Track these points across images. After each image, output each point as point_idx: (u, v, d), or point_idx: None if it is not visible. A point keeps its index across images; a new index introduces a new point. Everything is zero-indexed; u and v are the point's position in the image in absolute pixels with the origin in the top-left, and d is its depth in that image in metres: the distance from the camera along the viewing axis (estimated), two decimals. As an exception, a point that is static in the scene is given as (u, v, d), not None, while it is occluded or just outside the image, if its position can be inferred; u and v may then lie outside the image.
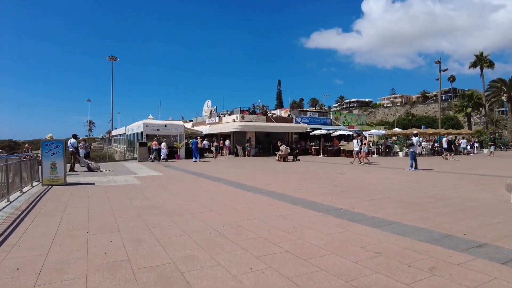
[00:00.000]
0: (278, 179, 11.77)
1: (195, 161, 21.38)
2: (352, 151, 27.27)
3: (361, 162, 18.53)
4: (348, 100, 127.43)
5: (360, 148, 18.87)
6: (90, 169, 15.17)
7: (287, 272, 3.39)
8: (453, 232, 4.78)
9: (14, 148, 50.74)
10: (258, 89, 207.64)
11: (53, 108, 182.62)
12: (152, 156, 22.14)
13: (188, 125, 38.22)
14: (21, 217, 5.93)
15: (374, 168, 16.39)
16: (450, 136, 28.84)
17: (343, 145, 26.53)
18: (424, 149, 29.32)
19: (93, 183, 10.82)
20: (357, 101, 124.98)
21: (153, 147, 22.32)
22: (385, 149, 30.48)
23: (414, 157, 15.38)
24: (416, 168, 15.15)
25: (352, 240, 4.44)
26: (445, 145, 23.66)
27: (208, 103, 37.51)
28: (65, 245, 4.27)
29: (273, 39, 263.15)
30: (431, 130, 34.15)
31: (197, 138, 23.61)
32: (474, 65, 51.69)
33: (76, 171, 14.96)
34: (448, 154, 23.14)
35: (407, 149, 21.34)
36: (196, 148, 21.86)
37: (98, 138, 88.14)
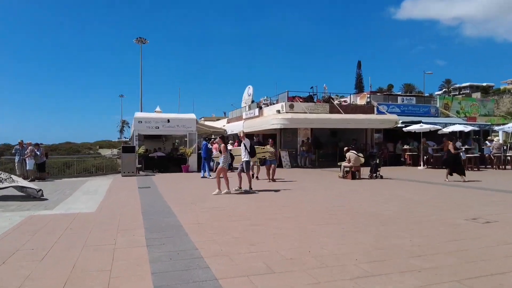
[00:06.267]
0: (317, 244, 5.39)
1: (203, 176, 15.71)
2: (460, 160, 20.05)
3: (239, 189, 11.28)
4: (458, 86, 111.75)
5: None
6: (28, 193, 10.25)
7: None
8: None
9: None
10: (331, 75, 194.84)
11: (87, 108, 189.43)
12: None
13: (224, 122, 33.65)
14: None
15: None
16: None
17: (261, 150, 14.44)
18: None
19: None
20: (471, 86, 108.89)
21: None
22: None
23: None
24: None
25: None
26: None
27: (248, 90, 31.49)
28: None
29: (351, 11, 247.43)
30: None
31: (210, 139, 17.94)
32: None
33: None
34: None
35: None
36: (207, 155, 16.14)
37: (128, 140, 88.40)
